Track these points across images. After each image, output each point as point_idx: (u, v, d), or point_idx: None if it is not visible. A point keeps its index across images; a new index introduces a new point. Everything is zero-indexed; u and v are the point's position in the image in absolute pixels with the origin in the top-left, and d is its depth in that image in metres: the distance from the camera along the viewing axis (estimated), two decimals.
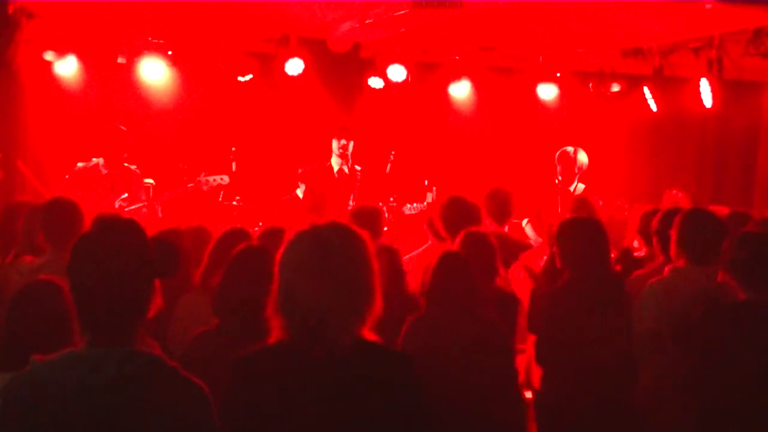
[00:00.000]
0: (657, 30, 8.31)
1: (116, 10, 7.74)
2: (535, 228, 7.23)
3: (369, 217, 5.04)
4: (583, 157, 7.69)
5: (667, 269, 4.22)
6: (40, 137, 8.64)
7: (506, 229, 6.01)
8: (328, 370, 2.29)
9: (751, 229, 4.02)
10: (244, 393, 2.32)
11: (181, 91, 9.10)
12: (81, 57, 8.53)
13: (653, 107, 9.53)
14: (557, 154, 7.76)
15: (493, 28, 8.35)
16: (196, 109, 9.21)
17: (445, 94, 9.91)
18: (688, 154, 11.02)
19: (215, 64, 8.89)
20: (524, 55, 9.78)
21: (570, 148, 7.72)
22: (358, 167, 7.74)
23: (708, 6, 7.05)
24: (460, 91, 9.84)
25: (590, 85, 10.03)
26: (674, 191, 7.51)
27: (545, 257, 4.83)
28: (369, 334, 2.37)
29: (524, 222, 7.38)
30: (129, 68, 8.70)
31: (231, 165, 8.01)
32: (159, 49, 8.66)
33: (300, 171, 8.71)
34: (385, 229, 6.46)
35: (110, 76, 8.81)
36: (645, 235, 5.11)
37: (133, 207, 6.95)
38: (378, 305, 2.36)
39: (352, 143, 7.71)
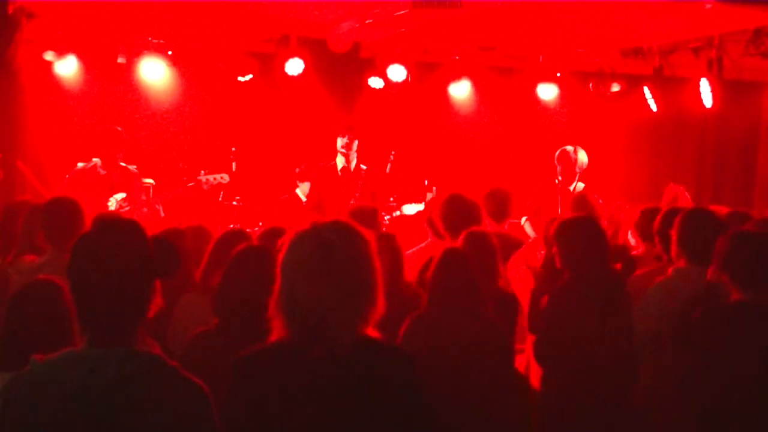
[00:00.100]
0: (657, 30, 8.31)
1: (116, 10, 7.74)
2: (534, 227, 7.23)
3: (367, 217, 5.03)
4: (583, 157, 7.69)
5: (670, 270, 4.22)
6: (40, 137, 8.65)
7: (506, 227, 6.02)
8: (329, 370, 2.29)
9: (748, 229, 4.01)
10: (245, 393, 2.32)
11: (181, 91, 9.11)
12: (81, 57, 8.54)
13: (653, 107, 9.53)
14: (557, 153, 7.76)
15: (493, 28, 8.35)
16: (196, 109, 9.21)
17: (445, 94, 9.91)
18: (688, 154, 11.03)
19: (215, 64, 8.90)
20: (524, 55, 9.78)
21: (570, 148, 7.72)
22: (363, 166, 7.71)
23: (708, 6, 7.05)
24: (460, 91, 9.85)
25: (590, 85, 10.03)
26: (675, 185, 7.48)
27: (540, 252, 4.82)
28: (371, 332, 2.36)
29: (523, 220, 7.38)
30: (129, 68, 8.71)
31: (231, 165, 8.02)
32: (159, 49, 8.67)
33: (297, 170, 8.72)
34: (384, 230, 6.45)
35: (110, 76, 8.81)
36: (643, 233, 5.10)
37: (126, 207, 6.92)
38: (380, 304, 2.35)
39: (356, 142, 7.68)
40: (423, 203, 7.80)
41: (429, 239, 5.61)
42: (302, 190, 8.57)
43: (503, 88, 10.00)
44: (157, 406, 2.14)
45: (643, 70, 9.33)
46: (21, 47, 7.54)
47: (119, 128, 7.23)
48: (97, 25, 8.25)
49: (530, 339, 4.54)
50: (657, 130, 10.56)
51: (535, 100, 10.04)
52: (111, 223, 2.31)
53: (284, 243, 2.36)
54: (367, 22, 7.71)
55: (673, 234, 4.22)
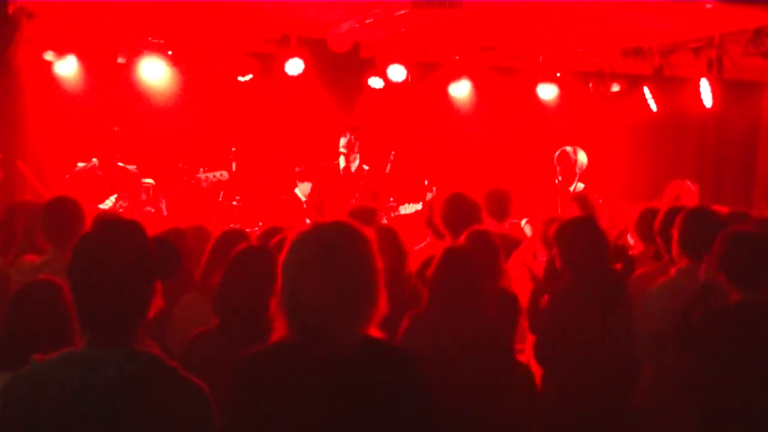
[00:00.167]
0: (657, 30, 8.31)
1: (116, 10, 7.74)
2: (534, 228, 7.23)
3: (366, 217, 5.03)
4: (582, 158, 7.69)
5: (673, 270, 4.21)
6: (40, 137, 8.65)
7: (507, 226, 6.02)
8: (331, 370, 2.28)
9: (745, 229, 4.00)
10: (247, 393, 2.31)
11: (181, 91, 9.10)
12: (81, 57, 8.54)
13: (653, 107, 9.53)
14: (557, 154, 7.76)
15: (493, 28, 8.36)
16: (196, 109, 9.21)
17: (445, 94, 9.91)
18: (688, 154, 11.03)
19: (215, 64, 8.90)
20: (524, 55, 9.78)
21: (569, 149, 7.72)
22: (366, 167, 7.67)
23: (708, 6, 7.05)
24: (460, 91, 9.85)
25: (590, 85, 10.04)
26: (681, 182, 7.46)
27: (535, 253, 4.82)
28: (374, 332, 2.36)
29: (523, 222, 7.38)
30: (129, 68, 8.71)
31: (231, 165, 8.02)
32: (159, 49, 8.67)
33: (297, 169, 8.71)
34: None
35: (110, 76, 8.82)
36: (642, 233, 5.10)
37: (121, 205, 6.89)
38: (382, 304, 2.34)
39: (358, 142, 7.64)
40: (420, 203, 7.79)
41: (428, 239, 5.61)
42: (301, 190, 8.56)
43: (503, 88, 10.00)
44: (156, 406, 2.14)
45: (643, 70, 9.33)
46: (21, 47, 7.54)
47: (116, 128, 7.23)
48: (97, 25, 8.25)
49: (530, 339, 4.54)
50: (657, 130, 10.56)
51: (535, 100, 10.04)
52: (112, 223, 2.31)
53: (277, 242, 2.35)
54: (367, 22, 7.70)
55: (675, 233, 4.21)
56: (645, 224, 5.00)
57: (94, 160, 7.13)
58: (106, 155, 7.05)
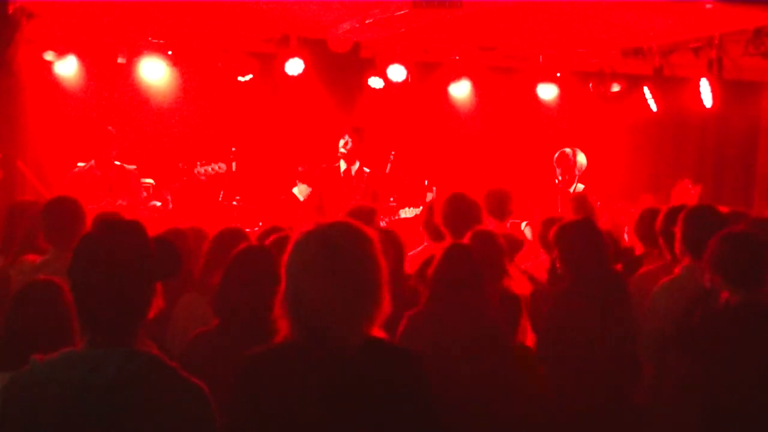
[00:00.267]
0: (657, 30, 8.31)
1: (116, 10, 7.74)
2: (534, 231, 7.23)
3: (365, 217, 5.02)
4: (581, 159, 7.70)
5: (677, 269, 4.21)
6: (40, 137, 8.64)
7: (508, 226, 6.02)
8: (335, 370, 2.28)
9: (742, 229, 4.00)
10: (250, 393, 2.31)
11: (181, 91, 9.10)
12: (81, 57, 8.53)
13: (653, 107, 9.53)
14: (556, 155, 7.76)
15: (493, 28, 8.35)
16: (196, 109, 9.21)
17: (445, 94, 9.91)
18: (688, 154, 11.03)
19: (215, 64, 8.89)
20: (524, 55, 9.78)
21: (569, 150, 7.72)
22: (366, 169, 7.65)
23: (708, 6, 7.05)
24: (460, 91, 9.85)
25: (590, 85, 10.04)
26: (686, 182, 7.46)
27: (533, 257, 4.81)
28: (377, 332, 2.36)
29: (523, 225, 7.38)
30: (129, 68, 8.71)
31: (231, 165, 8.01)
32: (159, 49, 8.66)
33: (300, 169, 8.70)
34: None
35: (110, 76, 8.82)
36: (642, 233, 5.09)
37: (118, 204, 6.88)
38: (386, 304, 2.34)
39: (357, 146, 7.62)
40: (420, 207, 7.78)
41: (425, 243, 5.60)
42: (299, 190, 8.55)
43: (503, 88, 10.00)
44: (156, 406, 2.14)
45: (643, 70, 9.33)
46: (21, 47, 7.54)
47: (110, 127, 7.22)
48: (97, 25, 8.25)
49: (531, 339, 4.54)
50: (657, 130, 10.56)
51: (535, 100, 10.04)
52: (112, 223, 2.31)
53: (274, 241, 2.34)
54: (367, 22, 7.70)
55: (677, 231, 4.21)
56: (645, 225, 4.99)
57: (93, 160, 7.13)
58: (102, 155, 7.04)
